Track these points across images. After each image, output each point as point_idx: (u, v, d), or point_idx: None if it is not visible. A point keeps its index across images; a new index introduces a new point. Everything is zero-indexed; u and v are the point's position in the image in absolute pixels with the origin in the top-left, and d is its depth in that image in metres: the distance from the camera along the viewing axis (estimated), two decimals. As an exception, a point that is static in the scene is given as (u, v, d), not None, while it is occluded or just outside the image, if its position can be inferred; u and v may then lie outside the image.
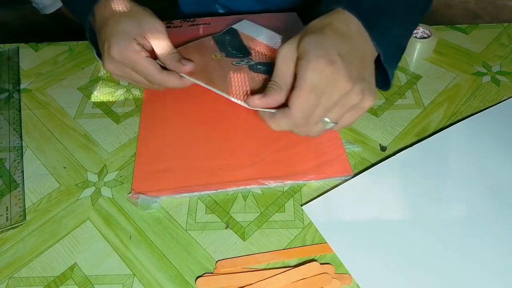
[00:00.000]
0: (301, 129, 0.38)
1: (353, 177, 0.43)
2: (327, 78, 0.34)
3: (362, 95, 0.36)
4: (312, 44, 0.35)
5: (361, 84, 0.35)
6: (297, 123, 0.36)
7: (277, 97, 0.38)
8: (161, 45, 0.47)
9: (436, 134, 0.47)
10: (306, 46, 0.35)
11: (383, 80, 0.42)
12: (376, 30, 0.38)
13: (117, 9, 0.46)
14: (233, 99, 0.42)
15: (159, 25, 0.47)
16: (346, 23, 0.37)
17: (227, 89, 0.44)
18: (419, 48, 0.57)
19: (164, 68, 0.47)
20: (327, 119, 0.37)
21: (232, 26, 0.57)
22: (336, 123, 0.38)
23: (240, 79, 0.46)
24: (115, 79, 0.52)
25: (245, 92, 0.43)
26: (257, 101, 0.38)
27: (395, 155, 0.45)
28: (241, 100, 0.41)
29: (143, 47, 0.46)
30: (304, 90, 0.34)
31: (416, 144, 0.46)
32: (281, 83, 0.38)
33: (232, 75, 0.47)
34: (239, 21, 0.58)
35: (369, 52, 0.38)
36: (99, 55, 0.51)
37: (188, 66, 0.47)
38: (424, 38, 0.57)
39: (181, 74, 0.47)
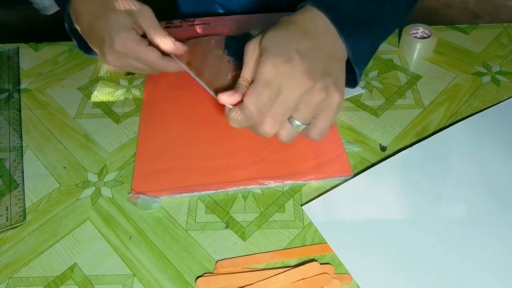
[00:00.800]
0: (261, 128, 0.36)
1: (353, 177, 0.43)
2: (284, 75, 0.33)
3: (326, 92, 0.35)
4: (272, 41, 0.35)
5: (324, 80, 0.34)
6: (251, 118, 0.35)
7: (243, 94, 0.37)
8: (152, 29, 0.48)
9: (436, 134, 0.47)
10: (267, 43, 0.35)
11: (353, 79, 0.41)
12: (345, 28, 0.37)
13: (105, 1, 0.47)
14: (210, 92, 0.42)
15: (147, 10, 0.48)
16: (312, 20, 0.36)
17: (210, 81, 0.44)
18: (419, 48, 0.57)
19: (163, 54, 0.48)
20: (297, 122, 0.36)
21: (249, 32, 0.58)
22: (307, 125, 0.37)
23: (226, 75, 0.46)
24: (113, 70, 0.53)
25: (224, 88, 0.43)
26: (226, 98, 0.37)
27: (395, 155, 0.45)
28: (216, 94, 0.41)
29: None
30: (259, 84, 0.34)
31: (416, 144, 0.46)
32: (250, 80, 0.37)
33: (220, 70, 0.47)
34: (239, 22, 0.58)
35: (337, 50, 0.37)
36: (81, 46, 0.52)
37: (181, 48, 0.48)
38: (424, 38, 0.57)
39: (174, 58, 0.49)
